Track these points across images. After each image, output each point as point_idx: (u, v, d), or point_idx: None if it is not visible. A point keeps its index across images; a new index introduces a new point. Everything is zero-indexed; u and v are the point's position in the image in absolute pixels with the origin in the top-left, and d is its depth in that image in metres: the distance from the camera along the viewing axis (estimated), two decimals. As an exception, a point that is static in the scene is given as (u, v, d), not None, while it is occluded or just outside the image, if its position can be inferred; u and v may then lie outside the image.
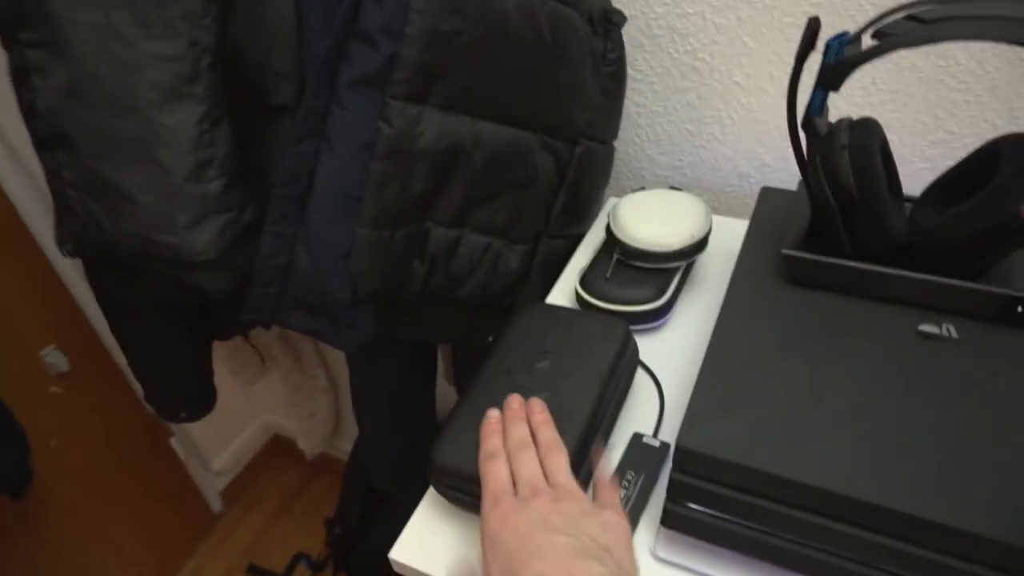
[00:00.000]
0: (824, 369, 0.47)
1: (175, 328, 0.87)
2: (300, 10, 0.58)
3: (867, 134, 0.48)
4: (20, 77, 0.60)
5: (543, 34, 0.59)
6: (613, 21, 0.66)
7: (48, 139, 0.63)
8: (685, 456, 0.44)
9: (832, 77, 0.45)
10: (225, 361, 1.27)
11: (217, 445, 1.64)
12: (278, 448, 1.78)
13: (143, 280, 0.72)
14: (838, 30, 0.46)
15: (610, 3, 0.67)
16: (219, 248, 0.64)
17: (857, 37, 0.44)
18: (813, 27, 0.45)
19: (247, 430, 1.73)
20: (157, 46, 0.54)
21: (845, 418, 0.44)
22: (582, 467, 0.50)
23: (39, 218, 1.10)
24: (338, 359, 1.39)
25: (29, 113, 0.62)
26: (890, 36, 0.42)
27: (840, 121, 0.50)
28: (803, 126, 0.49)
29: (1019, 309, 0.47)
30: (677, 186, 0.76)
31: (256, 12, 0.57)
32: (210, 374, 0.97)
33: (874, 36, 0.43)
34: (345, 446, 1.54)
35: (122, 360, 1.30)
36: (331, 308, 0.65)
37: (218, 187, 0.61)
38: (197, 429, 1.53)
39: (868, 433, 0.43)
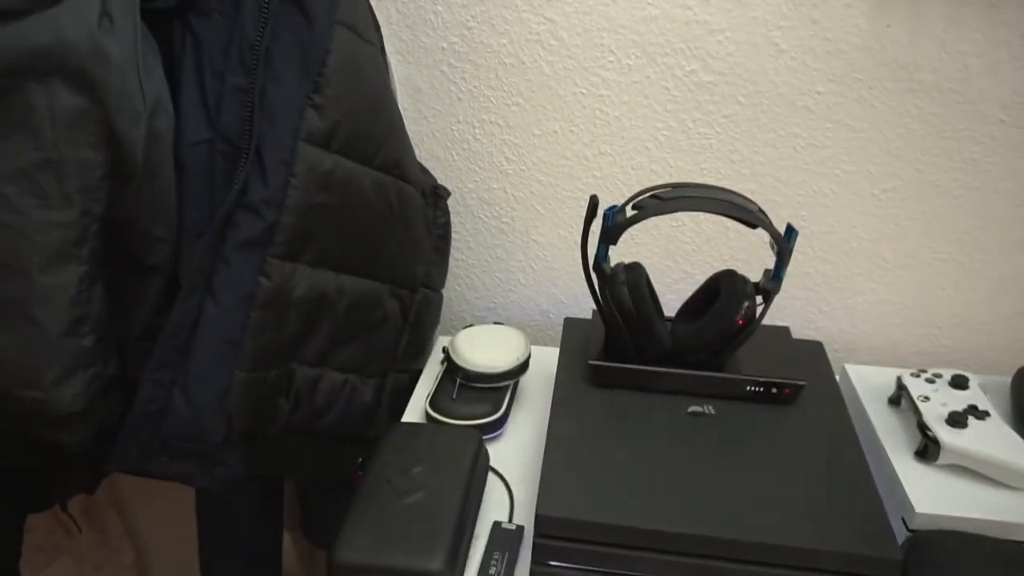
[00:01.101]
0: (631, 444, 0.63)
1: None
2: (181, 185, 0.67)
3: (637, 274, 0.69)
4: None
5: (391, 205, 0.74)
6: (440, 195, 0.83)
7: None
8: (543, 522, 0.57)
9: (612, 235, 0.65)
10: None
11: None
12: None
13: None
14: (606, 203, 0.67)
15: (436, 181, 0.84)
16: (84, 401, 0.66)
17: (623, 208, 0.65)
18: (594, 202, 0.66)
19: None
20: (49, 215, 0.60)
21: (650, 477, 0.60)
22: (458, 554, 0.59)
23: None
24: (146, 530, 1.31)
25: None
26: (643, 208, 0.63)
27: (618, 264, 0.70)
28: (594, 270, 0.68)
29: (747, 388, 0.68)
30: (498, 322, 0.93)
31: (145, 185, 0.65)
32: (17, 558, 0.91)
33: (633, 208, 0.64)
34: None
35: None
36: (200, 449, 0.70)
37: (89, 342, 0.65)
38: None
39: (667, 486, 0.59)
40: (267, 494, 0.90)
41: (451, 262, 0.94)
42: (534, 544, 0.58)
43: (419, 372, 0.88)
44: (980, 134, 0.77)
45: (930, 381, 0.71)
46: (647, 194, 0.64)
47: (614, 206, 0.65)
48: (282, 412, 0.72)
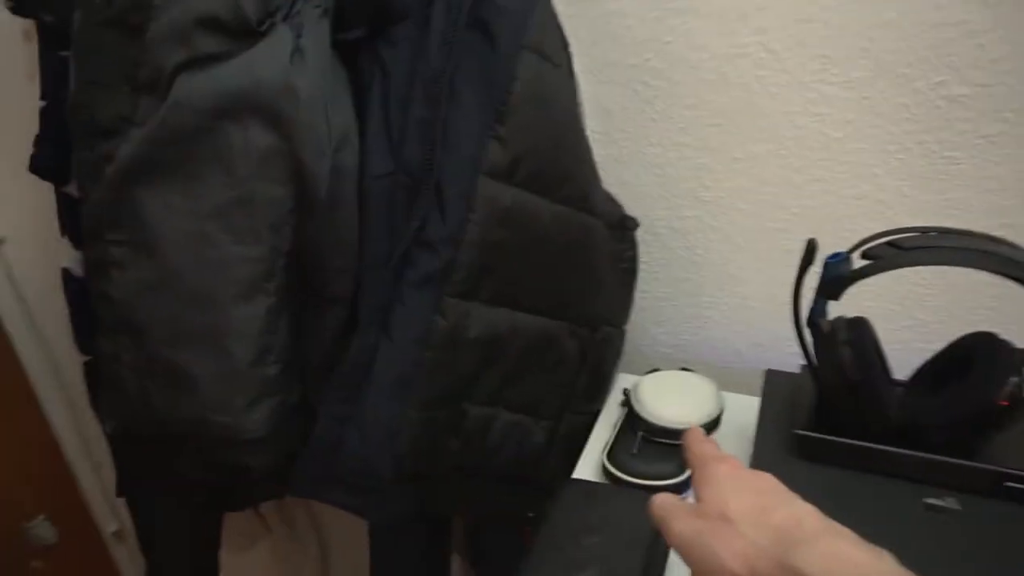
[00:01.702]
0: (848, 541, 0.52)
1: (192, 501, 0.88)
2: (363, 217, 0.66)
3: (862, 332, 0.57)
4: (99, 269, 0.66)
5: (573, 239, 0.68)
6: (628, 227, 0.76)
7: (115, 325, 0.68)
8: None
9: (833, 289, 0.54)
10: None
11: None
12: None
13: (181, 457, 0.75)
14: (821, 240, 0.56)
15: (624, 211, 0.77)
16: (269, 427, 0.68)
17: (849, 256, 0.54)
18: (812, 247, 0.55)
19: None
20: (242, 250, 0.62)
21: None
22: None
23: (48, 384, 1.11)
24: (330, 526, 1.37)
25: (101, 300, 0.67)
26: (879, 259, 0.52)
27: (838, 319, 0.59)
28: (808, 325, 0.58)
29: (1005, 484, 0.54)
30: (683, 365, 0.84)
31: (327, 218, 0.65)
32: (217, 548, 0.97)
33: (863, 256, 0.53)
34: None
35: (108, 534, 1.27)
36: (372, 485, 0.69)
37: (275, 371, 0.67)
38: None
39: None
40: (436, 525, 0.89)
41: (636, 295, 0.87)
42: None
43: (597, 413, 0.81)
44: None
45: None
46: (883, 239, 0.53)
47: (839, 253, 0.54)
48: (452, 452, 0.70)
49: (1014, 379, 0.52)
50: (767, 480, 0.41)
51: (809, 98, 0.70)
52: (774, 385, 0.69)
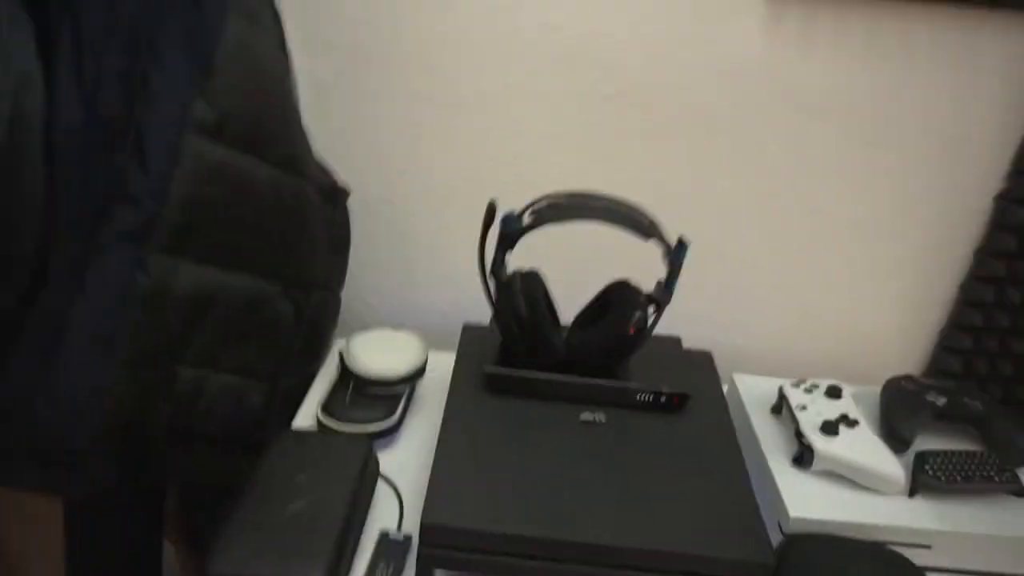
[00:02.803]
0: (521, 452, 0.63)
1: None
2: (52, 171, 0.62)
3: (534, 281, 0.69)
4: None
5: (284, 202, 0.71)
6: (340, 195, 0.81)
7: None
8: (428, 530, 0.56)
9: (508, 241, 0.65)
10: None
11: None
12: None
13: None
14: (510, 208, 0.67)
15: (336, 181, 0.82)
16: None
17: (520, 215, 0.65)
18: (491, 208, 0.66)
19: None
20: None
21: (538, 484, 0.60)
22: (339, 566, 0.58)
23: None
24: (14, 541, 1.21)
25: None
26: (539, 215, 0.63)
27: (515, 271, 0.70)
28: (491, 275, 0.68)
29: (637, 397, 0.70)
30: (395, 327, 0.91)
31: (8, 168, 0.59)
32: None
33: (531, 214, 0.65)
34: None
35: None
36: (66, 455, 0.65)
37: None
38: None
39: (554, 493, 0.59)
40: (146, 500, 0.85)
41: (351, 263, 0.92)
42: (418, 553, 0.57)
43: (313, 376, 0.85)
44: (870, 153, 0.82)
45: (808, 391, 0.74)
46: (544, 202, 0.65)
47: (511, 212, 0.65)
48: (162, 415, 0.69)
49: (638, 313, 0.68)
50: None
51: (502, 83, 0.81)
52: (469, 335, 0.79)
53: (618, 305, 0.69)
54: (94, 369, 0.62)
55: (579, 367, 0.70)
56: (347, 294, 0.91)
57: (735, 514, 0.59)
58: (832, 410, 0.72)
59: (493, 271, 0.68)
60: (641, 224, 0.65)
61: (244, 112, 0.64)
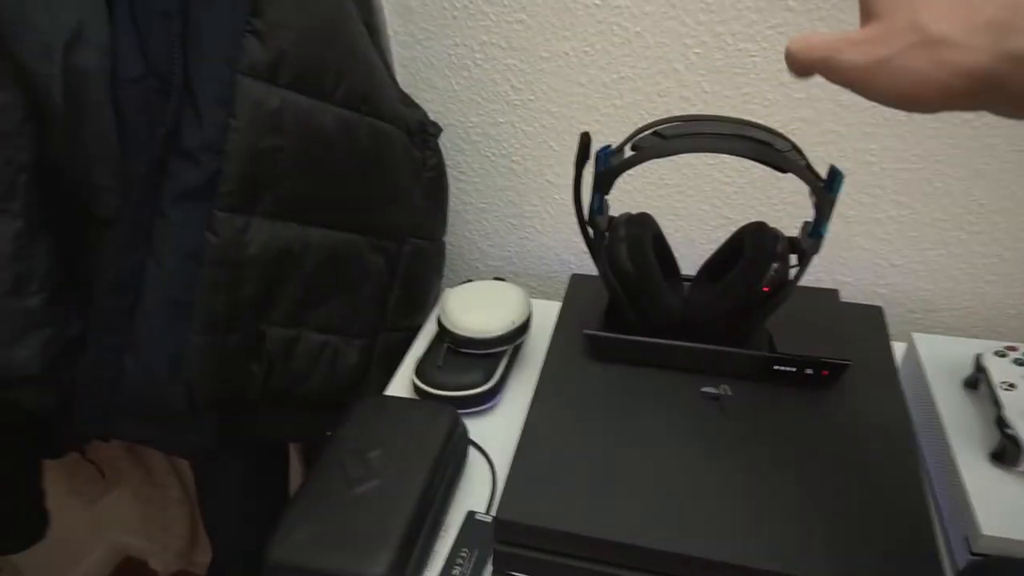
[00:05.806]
0: (623, 434, 0.53)
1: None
2: (123, 127, 0.60)
3: (641, 227, 0.57)
4: None
5: (362, 146, 0.64)
6: (430, 132, 0.73)
7: None
8: (504, 527, 0.48)
9: (604, 182, 0.53)
10: (63, 481, 1.18)
11: (55, 574, 1.49)
12: (129, 571, 1.63)
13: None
14: (606, 140, 0.54)
15: (426, 116, 0.73)
16: (42, 363, 0.62)
17: (619, 149, 0.53)
18: (585, 141, 0.54)
19: (91, 555, 1.58)
20: (-33, 168, 0.55)
21: (642, 477, 0.49)
22: (411, 554, 0.52)
23: None
24: (186, 462, 1.33)
25: None
26: (642, 149, 0.50)
27: (620, 216, 0.58)
28: (588, 223, 0.56)
29: (774, 368, 0.56)
30: (505, 276, 0.83)
31: (74, 128, 0.58)
32: (39, 496, 0.91)
33: (632, 148, 0.52)
34: (204, 559, 1.45)
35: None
36: (165, 416, 0.65)
37: (39, 301, 0.61)
38: (29, 559, 1.39)
39: (661, 489, 0.49)
40: (266, 448, 0.86)
41: (460, 206, 0.84)
42: (494, 551, 0.49)
43: (417, 330, 0.79)
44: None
45: (1018, 363, 0.56)
46: (649, 131, 0.51)
47: (607, 146, 0.53)
48: (255, 378, 0.66)
49: (776, 265, 0.53)
50: None
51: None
52: (576, 288, 0.68)
53: (749, 256, 0.54)
54: (173, 335, 0.60)
55: (704, 329, 0.57)
56: (454, 240, 0.84)
57: (901, 528, 0.45)
58: (1054, 390, 0.53)
59: (590, 218, 0.56)
60: (774, 152, 0.49)
61: (302, 48, 0.57)
